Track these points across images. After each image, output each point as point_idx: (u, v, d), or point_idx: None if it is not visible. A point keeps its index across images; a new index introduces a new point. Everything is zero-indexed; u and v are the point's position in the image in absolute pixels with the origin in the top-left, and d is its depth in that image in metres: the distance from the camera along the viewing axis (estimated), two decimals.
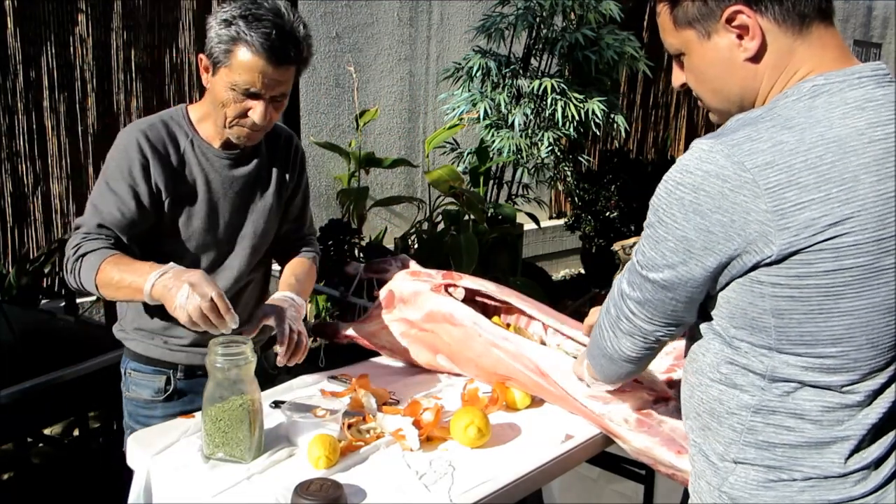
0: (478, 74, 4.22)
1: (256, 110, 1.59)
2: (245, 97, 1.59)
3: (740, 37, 1.09)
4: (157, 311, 1.65)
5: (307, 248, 1.92)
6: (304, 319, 3.45)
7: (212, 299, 1.42)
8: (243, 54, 1.54)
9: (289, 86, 1.63)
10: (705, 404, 1.17)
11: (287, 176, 1.83)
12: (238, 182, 1.74)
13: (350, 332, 1.99)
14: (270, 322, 1.62)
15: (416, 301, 1.89)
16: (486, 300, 2.00)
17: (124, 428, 1.80)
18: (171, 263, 1.52)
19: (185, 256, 1.68)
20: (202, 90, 1.69)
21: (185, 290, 1.42)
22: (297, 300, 1.71)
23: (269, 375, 1.84)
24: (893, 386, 1.10)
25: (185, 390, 1.75)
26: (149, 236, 1.67)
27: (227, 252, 1.75)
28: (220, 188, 1.71)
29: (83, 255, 1.58)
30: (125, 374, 1.79)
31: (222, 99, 1.60)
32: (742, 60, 1.11)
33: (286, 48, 1.55)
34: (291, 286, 1.75)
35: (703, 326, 1.15)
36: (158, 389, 1.75)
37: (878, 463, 1.11)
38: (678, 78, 1.21)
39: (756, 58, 1.10)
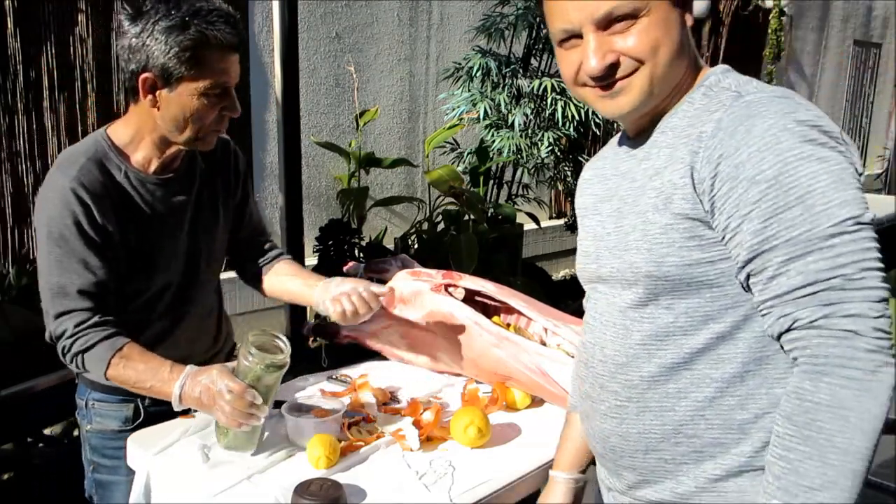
0: (478, 74, 4.21)
1: (231, 105, 1.48)
2: (220, 98, 1.47)
3: None
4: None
5: (284, 254, 1.85)
6: (304, 319, 3.45)
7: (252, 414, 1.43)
8: (214, 54, 1.42)
9: None
10: None
11: (231, 185, 1.72)
12: (184, 208, 1.61)
13: (350, 332, 1.99)
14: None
15: (416, 301, 1.89)
16: (486, 300, 2.00)
17: (85, 464, 1.68)
18: (190, 368, 1.46)
19: (145, 295, 1.58)
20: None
21: (223, 416, 1.42)
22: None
23: None
24: None
25: (155, 416, 1.63)
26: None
27: (189, 283, 1.64)
28: (168, 218, 1.58)
29: (82, 351, 1.46)
30: (86, 405, 1.65)
31: (194, 111, 1.45)
32: (688, 28, 1.02)
33: (240, 31, 1.46)
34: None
35: None
36: (127, 419, 1.63)
37: None
38: (608, 55, 0.99)
39: (691, 28, 1.03)
